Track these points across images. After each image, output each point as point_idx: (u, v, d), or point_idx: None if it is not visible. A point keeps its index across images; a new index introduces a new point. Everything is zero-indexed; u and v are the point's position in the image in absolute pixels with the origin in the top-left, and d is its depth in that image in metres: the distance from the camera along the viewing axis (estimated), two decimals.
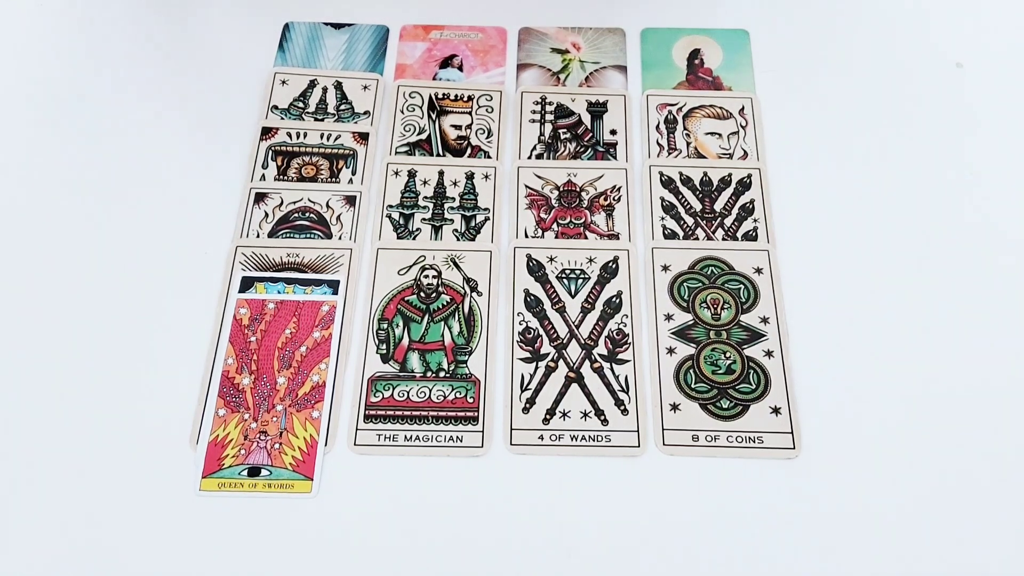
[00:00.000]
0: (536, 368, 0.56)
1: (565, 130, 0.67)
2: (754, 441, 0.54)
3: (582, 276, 0.60)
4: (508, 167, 0.65)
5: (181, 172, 0.64)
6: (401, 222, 0.62)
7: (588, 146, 0.66)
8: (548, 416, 0.54)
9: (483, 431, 0.54)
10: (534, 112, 0.68)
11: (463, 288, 0.59)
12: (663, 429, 0.54)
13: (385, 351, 0.57)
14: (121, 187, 0.63)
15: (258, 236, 0.61)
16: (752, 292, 0.59)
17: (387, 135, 0.66)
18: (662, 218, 0.62)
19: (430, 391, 0.55)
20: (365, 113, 0.67)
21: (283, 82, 0.68)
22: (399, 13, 0.73)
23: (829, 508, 0.51)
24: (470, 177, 0.64)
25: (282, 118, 0.67)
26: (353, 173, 0.64)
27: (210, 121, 0.67)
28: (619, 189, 0.64)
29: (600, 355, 0.57)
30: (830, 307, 0.59)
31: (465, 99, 0.68)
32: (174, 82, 0.69)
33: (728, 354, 0.57)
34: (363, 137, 0.66)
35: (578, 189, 0.64)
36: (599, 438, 0.54)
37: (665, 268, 0.60)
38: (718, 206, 0.63)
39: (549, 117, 0.67)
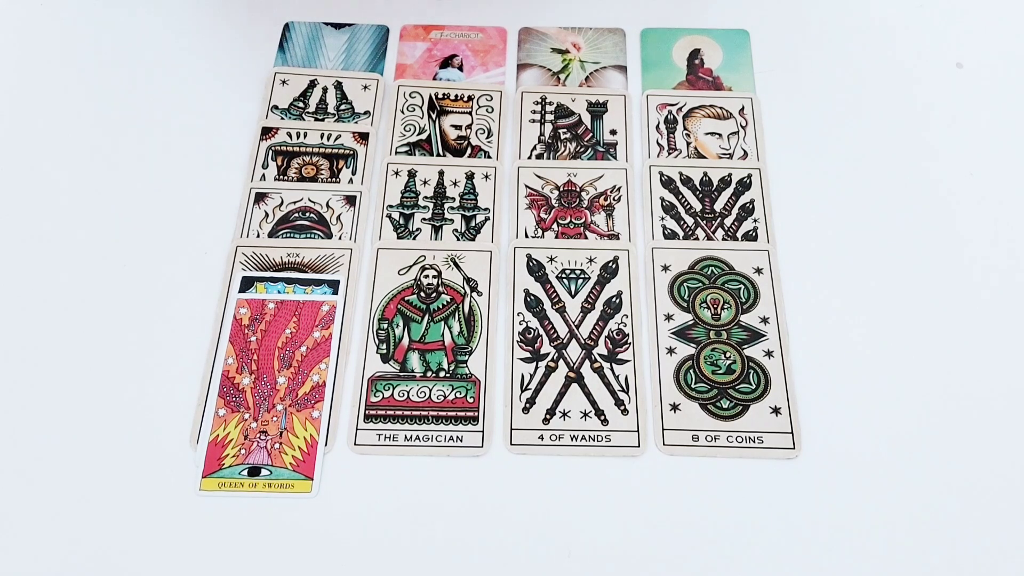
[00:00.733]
0: (536, 368, 0.56)
1: (565, 130, 0.67)
2: (754, 441, 0.54)
3: (582, 276, 0.60)
4: (508, 167, 0.65)
5: (181, 172, 0.64)
6: (401, 222, 0.62)
7: (588, 146, 0.66)
8: (548, 416, 0.54)
9: (483, 431, 0.54)
10: (534, 112, 0.68)
11: (463, 288, 0.59)
12: (663, 429, 0.54)
13: (385, 351, 0.57)
14: (121, 187, 0.63)
15: (258, 236, 0.61)
16: (752, 292, 0.59)
17: (387, 135, 0.66)
18: (662, 218, 0.62)
19: (430, 391, 0.55)
20: (365, 113, 0.67)
21: (283, 82, 0.68)
22: (399, 13, 0.73)
23: (829, 508, 0.51)
24: (470, 177, 0.64)
25: (282, 118, 0.67)
26: (353, 173, 0.64)
27: (210, 121, 0.67)
28: (619, 189, 0.64)
29: (600, 355, 0.57)
30: (830, 307, 0.59)
31: (465, 99, 0.68)
32: (174, 82, 0.69)
33: (728, 354, 0.57)
34: (363, 137, 0.66)
35: (578, 189, 0.64)
36: (599, 438, 0.54)
37: (665, 268, 0.60)
38: (718, 206, 0.63)
39: (549, 117, 0.67)
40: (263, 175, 0.64)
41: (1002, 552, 0.50)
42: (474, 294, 0.59)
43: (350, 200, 0.63)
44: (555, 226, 0.62)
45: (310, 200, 0.63)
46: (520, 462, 0.53)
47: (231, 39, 0.71)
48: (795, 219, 0.62)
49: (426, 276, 0.59)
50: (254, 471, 0.52)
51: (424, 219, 0.62)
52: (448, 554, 0.50)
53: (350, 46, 0.71)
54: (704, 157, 0.65)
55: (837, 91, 0.69)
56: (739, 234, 0.62)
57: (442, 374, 0.56)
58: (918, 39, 0.72)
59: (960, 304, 0.59)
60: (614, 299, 0.59)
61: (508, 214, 0.63)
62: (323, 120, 0.67)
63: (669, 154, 0.66)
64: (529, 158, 0.65)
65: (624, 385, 0.56)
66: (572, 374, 0.56)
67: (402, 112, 0.67)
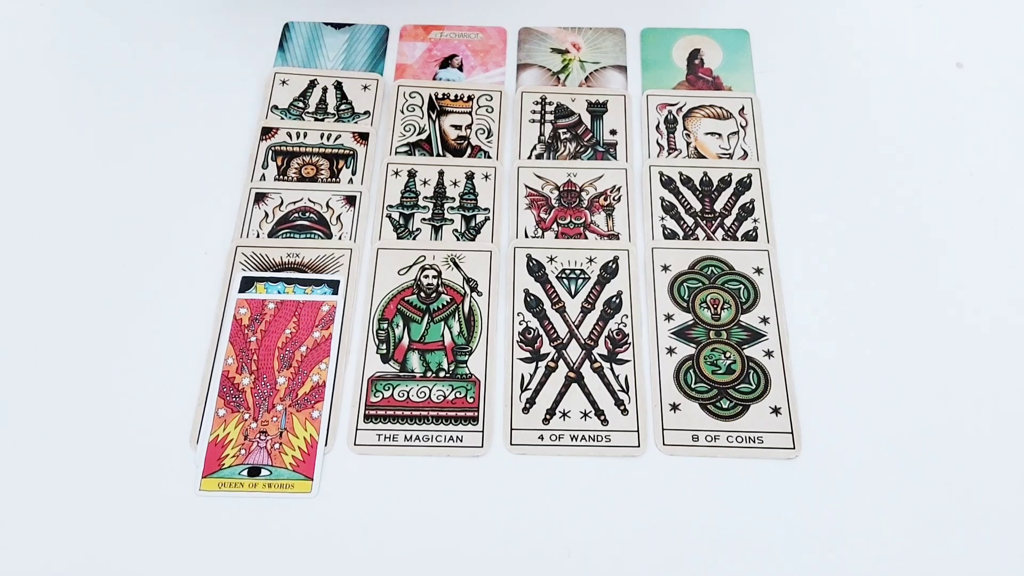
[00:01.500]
0: (536, 368, 0.56)
1: (565, 130, 0.67)
2: (754, 441, 0.54)
3: (582, 276, 0.60)
4: (508, 167, 0.65)
5: (182, 172, 0.64)
6: (401, 222, 0.62)
7: (588, 146, 0.66)
8: (548, 416, 0.54)
9: (483, 431, 0.54)
10: (534, 112, 0.68)
11: (463, 288, 0.59)
12: (663, 429, 0.54)
13: (385, 351, 0.57)
14: (121, 187, 0.63)
15: (258, 236, 0.61)
16: (752, 292, 0.59)
17: (387, 135, 0.66)
18: (662, 218, 0.62)
19: (430, 391, 0.55)
20: (365, 113, 0.67)
21: (283, 82, 0.68)
22: (399, 13, 0.73)
23: (829, 508, 0.51)
24: (470, 177, 0.64)
25: (282, 118, 0.67)
26: (353, 173, 0.64)
27: (210, 121, 0.67)
28: (619, 189, 0.64)
29: (600, 355, 0.57)
30: (830, 307, 0.59)
31: (465, 99, 0.68)
32: (174, 82, 0.69)
33: (728, 354, 0.57)
34: (363, 137, 0.66)
35: (578, 189, 0.64)
36: (599, 438, 0.54)
37: (665, 268, 0.60)
38: (718, 206, 0.63)
39: (549, 117, 0.67)
40: (263, 175, 0.64)
41: (1002, 552, 0.50)
42: (474, 294, 0.59)
43: (350, 200, 0.63)
44: (555, 226, 0.62)
45: (310, 200, 0.63)
46: (520, 462, 0.53)
47: (231, 39, 0.71)
48: (795, 219, 0.62)
49: (426, 276, 0.59)
50: (254, 471, 0.52)
51: (424, 219, 0.62)
52: (448, 554, 0.50)
53: (350, 46, 0.71)
54: (704, 157, 0.65)
55: (837, 91, 0.69)
56: (739, 234, 0.62)
57: (442, 374, 0.56)
58: (918, 39, 0.72)
59: (960, 304, 0.59)
60: (614, 299, 0.59)
61: (508, 214, 0.63)
62: (323, 120, 0.67)
63: (669, 154, 0.66)
64: (529, 158, 0.65)
65: (624, 385, 0.56)
66: (572, 374, 0.56)
67: (402, 112, 0.67)
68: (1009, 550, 0.50)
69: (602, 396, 0.55)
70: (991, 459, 0.53)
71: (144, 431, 0.53)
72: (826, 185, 0.64)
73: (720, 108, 0.68)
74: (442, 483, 0.52)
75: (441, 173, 0.64)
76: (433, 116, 0.67)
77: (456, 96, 0.68)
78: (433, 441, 0.53)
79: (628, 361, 0.56)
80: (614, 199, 0.63)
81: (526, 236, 0.61)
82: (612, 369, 0.56)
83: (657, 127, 0.67)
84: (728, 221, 0.62)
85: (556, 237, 0.62)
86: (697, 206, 0.63)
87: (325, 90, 0.68)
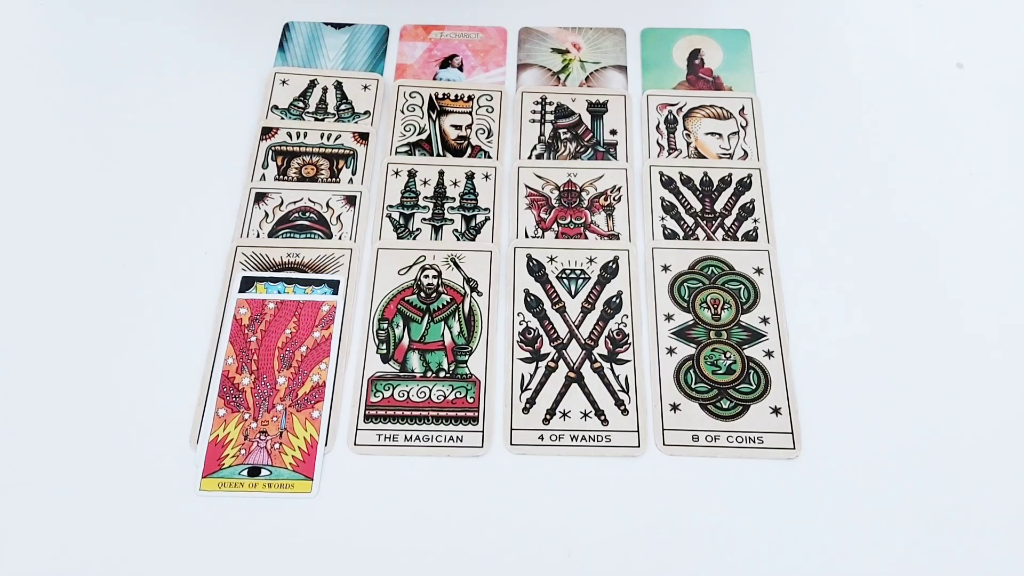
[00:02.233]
0: (536, 368, 0.56)
1: (565, 130, 0.67)
2: (754, 441, 0.54)
3: (582, 276, 0.60)
4: (508, 167, 0.65)
5: (181, 172, 0.64)
6: (401, 222, 0.62)
7: (588, 146, 0.66)
8: (548, 416, 0.54)
9: (483, 431, 0.54)
10: (534, 112, 0.68)
11: (463, 288, 0.59)
12: (663, 429, 0.54)
13: (385, 351, 0.57)
14: (121, 187, 0.63)
15: (258, 236, 0.61)
16: (752, 292, 0.59)
17: (387, 135, 0.66)
18: (662, 218, 0.62)
19: (430, 391, 0.55)
20: (365, 113, 0.67)
21: (283, 82, 0.68)
22: (399, 13, 0.73)
23: (829, 508, 0.51)
24: (470, 177, 0.64)
25: (282, 118, 0.67)
26: (353, 173, 0.64)
27: (210, 121, 0.67)
28: (619, 189, 0.64)
29: (600, 355, 0.57)
30: (830, 307, 0.59)
31: (465, 99, 0.68)
32: (174, 82, 0.69)
33: (728, 354, 0.57)
34: (363, 137, 0.66)
35: (578, 189, 0.64)
36: (599, 438, 0.54)
37: (665, 268, 0.60)
38: (718, 206, 0.63)
39: (549, 117, 0.67)
40: (263, 175, 0.64)
41: (1001, 552, 0.50)
42: (474, 294, 0.59)
43: (350, 200, 0.63)
44: (555, 226, 0.62)
45: (310, 200, 0.63)
46: (520, 462, 0.53)
47: (231, 39, 0.71)
48: (795, 219, 0.62)
49: (426, 276, 0.59)
50: (254, 471, 0.52)
51: (424, 219, 0.62)
52: (448, 554, 0.50)
53: (350, 46, 0.71)
54: (704, 157, 0.65)
55: (837, 91, 0.69)
56: (739, 234, 0.62)
57: (442, 374, 0.56)
58: (918, 39, 0.72)
59: (960, 304, 0.59)
60: (614, 299, 0.59)
61: (508, 214, 0.63)
62: (323, 120, 0.67)
63: (669, 154, 0.66)
64: (529, 158, 0.65)
65: (624, 385, 0.56)
66: (572, 374, 0.56)
67: (402, 112, 0.67)
68: (1009, 550, 0.50)
69: (602, 396, 0.55)
70: (991, 459, 0.53)
71: (144, 431, 0.53)
72: (826, 185, 0.64)
73: (720, 108, 0.68)
74: (442, 483, 0.52)
75: (441, 173, 0.64)
76: (433, 116, 0.67)
77: (456, 96, 0.68)
78: (433, 441, 0.53)
79: (628, 361, 0.56)
80: (614, 199, 0.63)
81: (526, 236, 0.61)
82: (612, 369, 0.56)
83: (657, 127, 0.67)
84: (728, 221, 0.62)
85: (556, 237, 0.62)
86: (697, 206, 0.63)
87: (325, 90, 0.68)
